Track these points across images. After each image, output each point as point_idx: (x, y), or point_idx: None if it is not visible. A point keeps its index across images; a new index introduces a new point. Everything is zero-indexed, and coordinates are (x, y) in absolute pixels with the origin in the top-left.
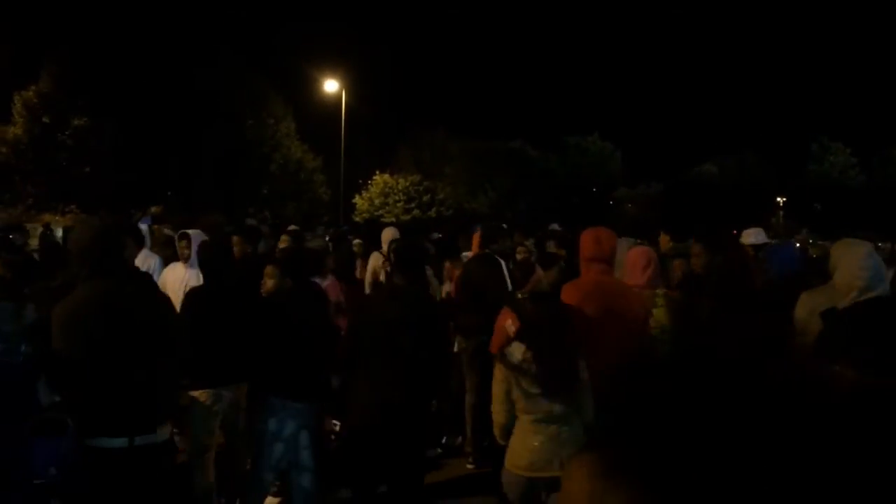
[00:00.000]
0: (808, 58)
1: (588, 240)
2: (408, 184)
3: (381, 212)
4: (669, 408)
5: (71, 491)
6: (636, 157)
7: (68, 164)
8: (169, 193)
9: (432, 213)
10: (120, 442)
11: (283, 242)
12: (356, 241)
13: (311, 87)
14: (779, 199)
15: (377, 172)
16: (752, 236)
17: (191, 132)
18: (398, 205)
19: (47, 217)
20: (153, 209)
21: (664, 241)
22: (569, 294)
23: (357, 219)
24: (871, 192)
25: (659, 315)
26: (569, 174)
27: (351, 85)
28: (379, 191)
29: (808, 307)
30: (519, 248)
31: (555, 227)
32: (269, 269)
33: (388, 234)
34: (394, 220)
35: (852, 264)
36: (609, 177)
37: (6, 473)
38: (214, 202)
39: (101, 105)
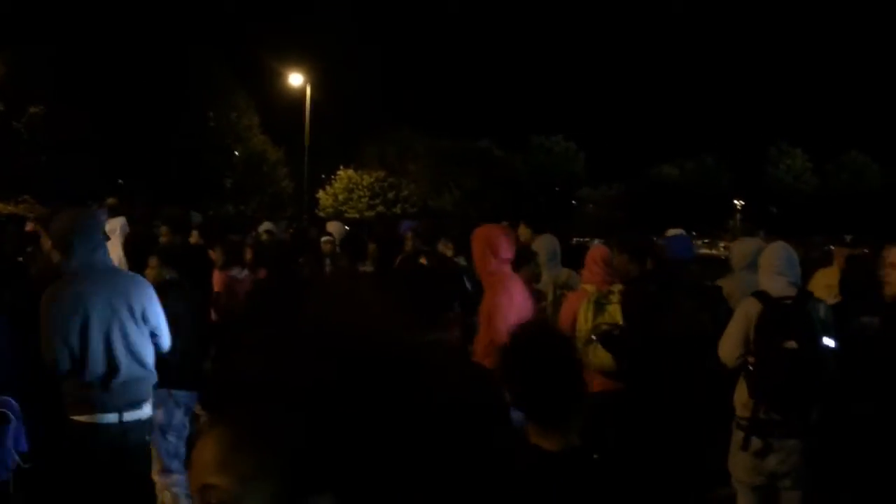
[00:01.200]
0: (766, 63)
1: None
2: (372, 180)
3: (344, 207)
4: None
5: (55, 470)
6: (599, 158)
7: (23, 153)
8: (120, 181)
9: (397, 209)
10: (111, 418)
11: (165, 235)
12: (325, 237)
13: (276, 80)
14: (736, 201)
15: (341, 168)
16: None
17: (152, 123)
18: (362, 200)
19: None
20: (109, 200)
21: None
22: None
23: (321, 213)
24: (825, 197)
25: (613, 311)
26: (533, 174)
27: (316, 79)
28: (343, 186)
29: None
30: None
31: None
32: (151, 259)
33: (333, 227)
34: (357, 215)
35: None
36: (573, 177)
37: None
38: (176, 195)
39: (58, 94)
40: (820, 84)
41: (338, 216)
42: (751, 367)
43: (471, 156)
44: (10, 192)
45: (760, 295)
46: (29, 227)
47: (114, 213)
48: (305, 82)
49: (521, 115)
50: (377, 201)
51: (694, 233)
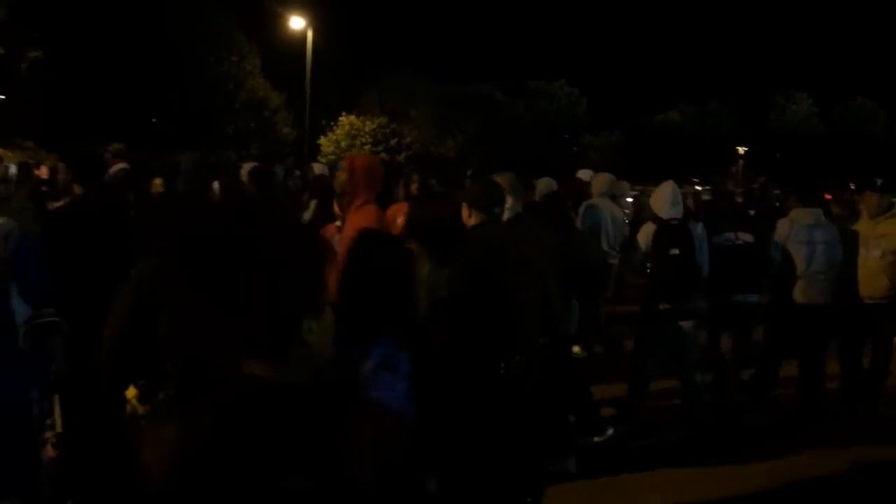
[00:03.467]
0: (772, 7)
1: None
2: (374, 126)
3: (347, 154)
4: None
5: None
6: (602, 104)
7: (24, 98)
8: (120, 127)
9: (401, 157)
10: None
11: (158, 186)
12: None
13: (276, 23)
14: (739, 148)
15: (343, 114)
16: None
17: (152, 67)
18: (365, 147)
19: (1, 152)
20: (115, 146)
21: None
22: None
23: (322, 160)
24: (831, 142)
25: None
26: (535, 120)
27: (317, 23)
28: (345, 132)
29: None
30: None
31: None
32: None
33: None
34: None
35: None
36: (575, 123)
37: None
38: (176, 140)
39: (58, 38)
40: (826, 29)
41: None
42: (648, 271)
43: (473, 101)
44: (12, 138)
45: (655, 219)
46: (41, 170)
47: (119, 158)
48: (307, 26)
49: (524, 60)
50: (380, 148)
51: (696, 180)
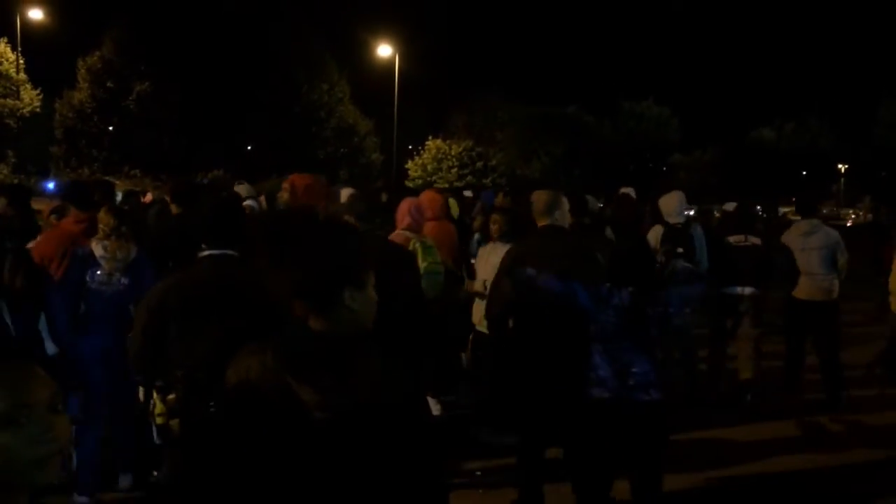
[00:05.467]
0: (878, 15)
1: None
2: (461, 149)
3: (433, 177)
4: None
5: None
6: (693, 123)
7: (132, 129)
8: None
9: (487, 181)
10: None
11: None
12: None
13: (365, 51)
14: (840, 165)
15: (430, 138)
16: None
17: (250, 97)
18: (452, 171)
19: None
20: (215, 172)
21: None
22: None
23: (410, 184)
24: None
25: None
26: (624, 140)
27: (405, 50)
28: (432, 156)
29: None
30: None
31: (628, 191)
32: None
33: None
34: (447, 185)
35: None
36: (665, 143)
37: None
38: (269, 166)
39: (163, 71)
40: None
41: (427, 187)
42: (658, 265)
43: (559, 122)
44: (122, 167)
45: (663, 223)
46: (147, 197)
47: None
48: (394, 53)
49: (610, 79)
50: (466, 171)
51: (793, 199)
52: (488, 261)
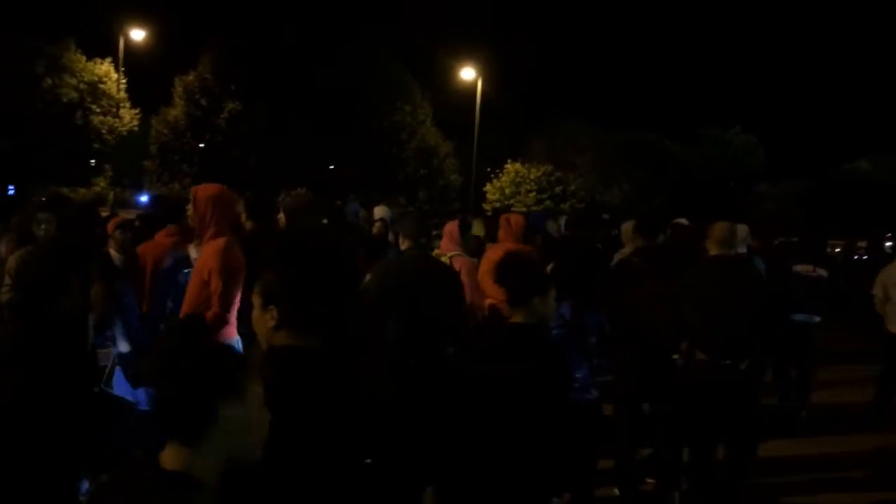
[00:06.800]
0: None
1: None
2: (539, 174)
3: (511, 201)
4: None
5: None
6: (781, 152)
7: (222, 146)
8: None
9: (566, 206)
10: None
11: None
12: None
13: (448, 74)
14: None
15: (509, 161)
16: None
17: (333, 117)
18: (530, 195)
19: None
20: (298, 190)
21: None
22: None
23: (487, 207)
24: None
25: None
26: (707, 168)
27: (487, 73)
28: (510, 180)
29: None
30: None
31: (682, 220)
32: None
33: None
34: (525, 209)
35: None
36: (751, 171)
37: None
38: (351, 185)
39: (253, 90)
40: None
41: (505, 211)
42: None
43: (640, 148)
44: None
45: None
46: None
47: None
48: (477, 76)
49: (694, 105)
50: (545, 195)
51: (890, 234)
52: None
